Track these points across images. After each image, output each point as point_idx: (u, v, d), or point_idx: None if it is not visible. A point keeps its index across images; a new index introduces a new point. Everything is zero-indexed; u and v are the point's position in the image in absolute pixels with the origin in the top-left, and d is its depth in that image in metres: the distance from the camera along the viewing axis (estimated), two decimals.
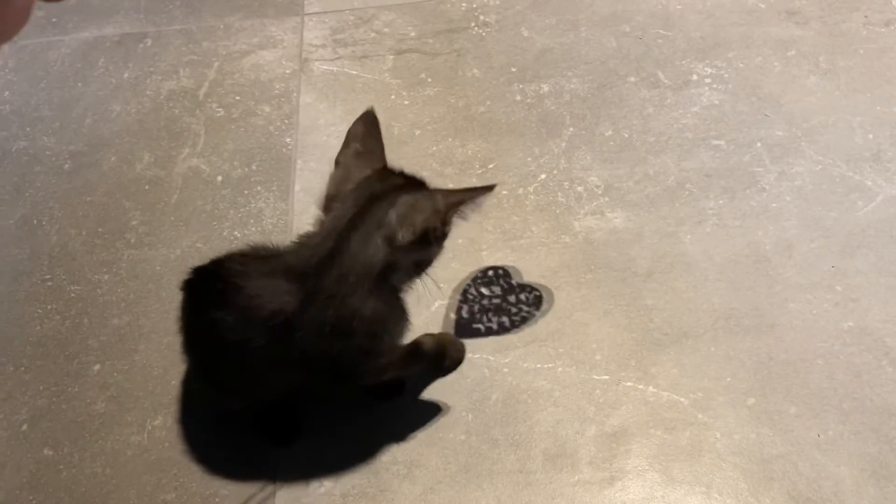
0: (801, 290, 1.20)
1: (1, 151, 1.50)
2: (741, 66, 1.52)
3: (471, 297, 1.24)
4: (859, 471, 1.03)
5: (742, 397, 1.10)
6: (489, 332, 1.20)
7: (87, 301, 1.28)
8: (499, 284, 1.25)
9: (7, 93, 1.61)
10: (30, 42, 1.70)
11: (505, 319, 1.21)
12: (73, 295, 1.28)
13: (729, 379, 1.12)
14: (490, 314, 1.22)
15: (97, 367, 1.20)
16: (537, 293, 1.23)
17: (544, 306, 1.22)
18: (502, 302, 1.23)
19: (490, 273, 1.26)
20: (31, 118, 1.55)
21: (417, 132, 1.46)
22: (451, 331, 1.21)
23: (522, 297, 1.23)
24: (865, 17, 1.58)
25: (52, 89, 1.60)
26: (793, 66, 1.51)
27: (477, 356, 1.17)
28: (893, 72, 1.48)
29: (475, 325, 1.21)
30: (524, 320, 1.20)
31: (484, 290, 1.24)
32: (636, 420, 1.09)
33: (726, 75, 1.51)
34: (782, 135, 1.40)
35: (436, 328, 1.20)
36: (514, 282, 1.25)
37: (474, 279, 1.26)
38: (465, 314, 1.22)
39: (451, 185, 1.37)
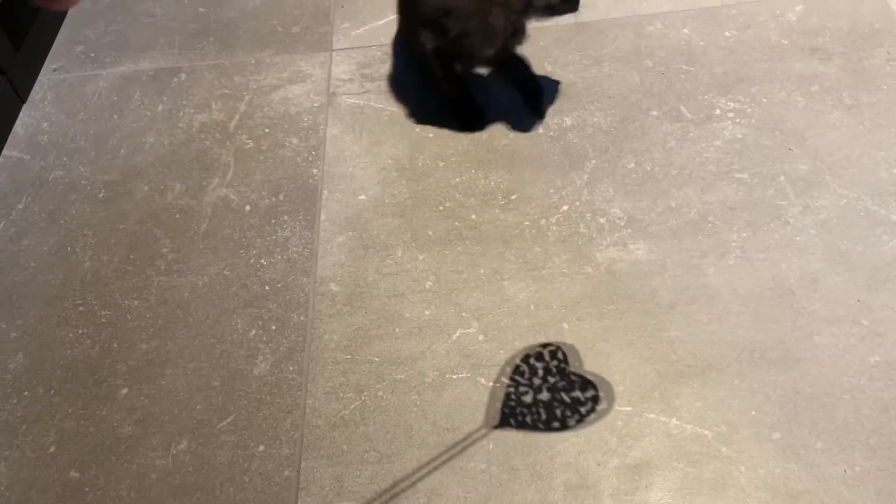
0: (826, 323, 1.20)
1: (38, 180, 1.55)
2: (764, 100, 1.53)
3: (521, 381, 1.16)
4: None
5: (767, 431, 1.09)
6: (536, 427, 1.12)
7: (116, 326, 1.30)
8: (554, 371, 1.17)
9: (45, 124, 1.66)
10: (69, 76, 1.77)
11: (555, 420, 1.12)
12: (103, 320, 1.31)
13: (754, 412, 1.11)
14: (541, 409, 1.13)
15: (125, 390, 1.22)
16: (594, 392, 1.14)
17: (601, 405, 1.14)
18: (553, 397, 1.14)
19: (546, 354, 1.20)
20: (68, 148, 1.61)
21: (441, 164, 1.49)
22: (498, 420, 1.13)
23: (577, 393, 1.15)
24: (888, 53, 1.59)
25: (89, 121, 1.65)
26: (816, 101, 1.52)
27: (497, 385, 1.17)
28: None
29: (524, 418, 1.13)
30: (578, 422, 1.12)
31: (535, 379, 1.16)
32: (659, 452, 1.08)
33: (749, 110, 1.52)
34: (806, 169, 1.40)
35: (457, 357, 1.21)
36: (570, 370, 1.17)
37: (526, 356, 1.20)
38: (512, 400, 1.15)
39: (473, 217, 1.39)
